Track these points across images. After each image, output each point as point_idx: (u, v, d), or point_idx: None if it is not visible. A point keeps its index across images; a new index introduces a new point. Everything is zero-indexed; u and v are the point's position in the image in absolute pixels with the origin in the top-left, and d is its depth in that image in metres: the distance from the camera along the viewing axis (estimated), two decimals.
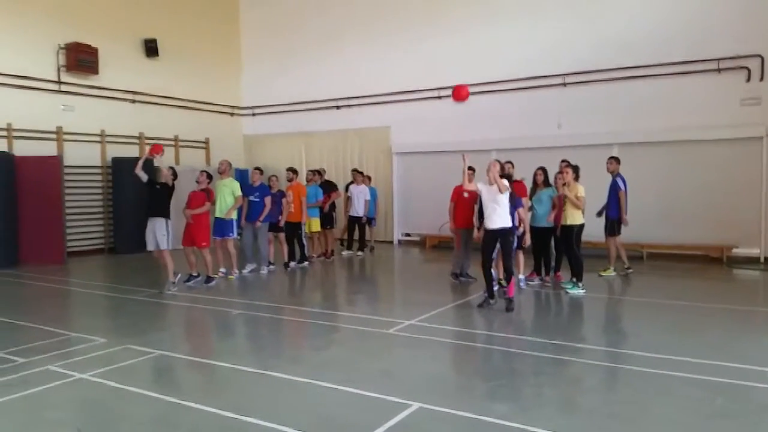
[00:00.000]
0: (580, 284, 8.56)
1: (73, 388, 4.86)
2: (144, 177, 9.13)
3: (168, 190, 9.23)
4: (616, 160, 9.99)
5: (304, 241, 11.47)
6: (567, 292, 8.51)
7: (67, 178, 12.71)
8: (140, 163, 9.23)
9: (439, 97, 14.68)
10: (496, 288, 7.79)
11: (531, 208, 9.19)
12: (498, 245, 7.58)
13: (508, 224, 7.44)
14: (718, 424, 4.06)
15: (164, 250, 9.07)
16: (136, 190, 12.22)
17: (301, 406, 4.47)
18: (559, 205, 8.84)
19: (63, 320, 7.64)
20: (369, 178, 13.75)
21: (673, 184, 12.01)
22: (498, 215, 7.37)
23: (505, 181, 7.40)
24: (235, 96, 17.94)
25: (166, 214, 9.15)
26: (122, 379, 5.00)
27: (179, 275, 9.35)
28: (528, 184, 9.25)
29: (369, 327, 6.82)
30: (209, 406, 4.37)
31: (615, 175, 9.84)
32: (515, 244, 7.95)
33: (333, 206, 12.74)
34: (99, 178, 14.11)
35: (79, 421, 4.24)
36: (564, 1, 13.21)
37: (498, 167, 7.45)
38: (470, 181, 9.45)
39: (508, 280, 7.04)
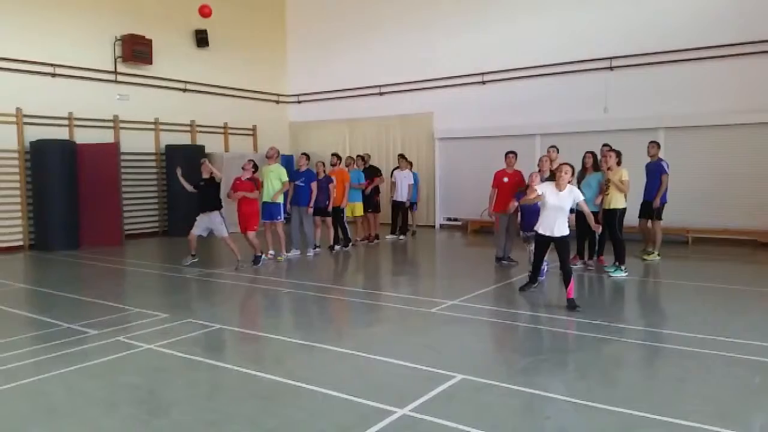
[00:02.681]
0: (623, 267, 8.62)
1: (143, 357, 5.28)
2: (189, 187, 10.00)
3: (214, 184, 9.81)
4: (657, 144, 9.96)
5: (345, 225, 11.81)
6: (609, 276, 8.58)
7: (123, 164, 13.41)
8: (183, 181, 10.08)
9: (483, 83, 14.73)
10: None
11: None
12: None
13: (568, 231, 7.09)
14: (756, 401, 4.17)
15: (225, 237, 9.74)
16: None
17: (349, 374, 4.78)
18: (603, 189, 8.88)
19: (126, 297, 8.16)
20: (411, 164, 13.92)
21: (721, 169, 11.80)
22: (562, 222, 6.93)
23: (582, 202, 7.07)
24: (280, 84, 18.35)
25: (217, 206, 9.84)
26: (187, 350, 5.40)
27: (198, 260, 10.04)
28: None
29: (412, 306, 7.08)
30: (266, 373, 4.73)
31: (657, 159, 9.80)
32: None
33: (377, 191, 12.99)
34: (153, 164, 14.74)
35: (150, 385, 4.64)
36: None
37: (570, 173, 6.92)
38: (512, 165, 9.60)
39: (567, 282, 6.93)
